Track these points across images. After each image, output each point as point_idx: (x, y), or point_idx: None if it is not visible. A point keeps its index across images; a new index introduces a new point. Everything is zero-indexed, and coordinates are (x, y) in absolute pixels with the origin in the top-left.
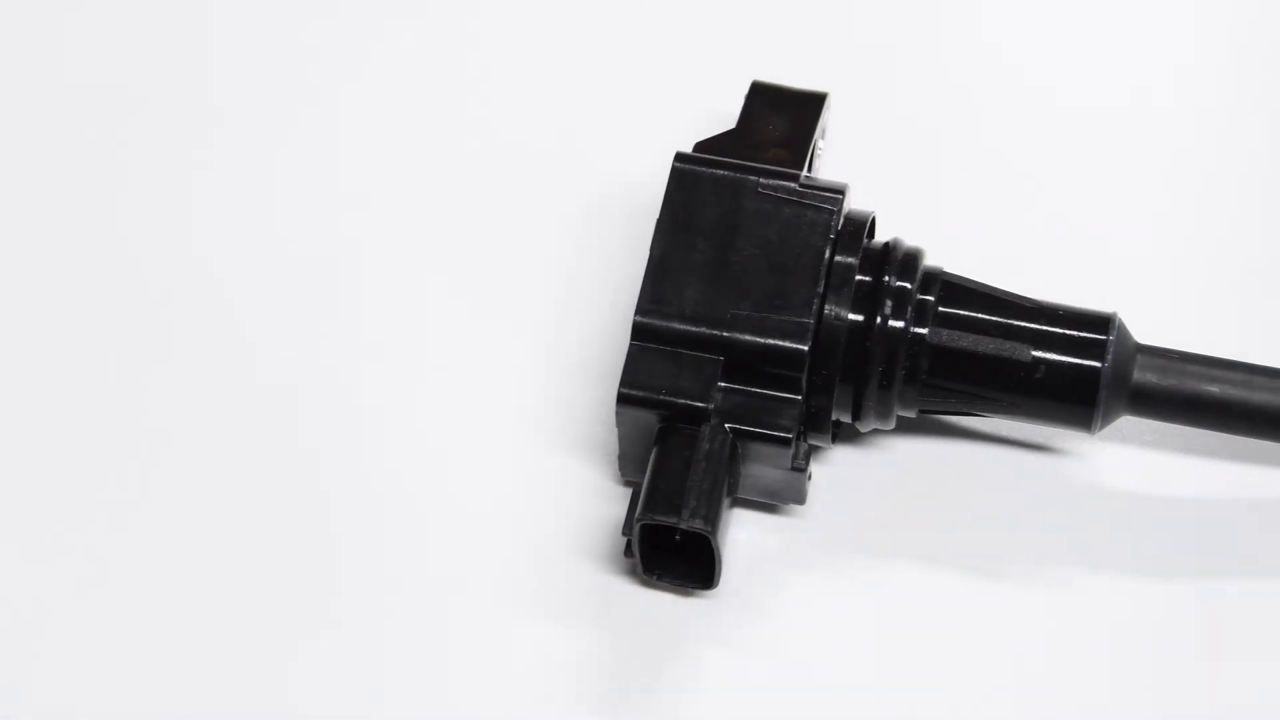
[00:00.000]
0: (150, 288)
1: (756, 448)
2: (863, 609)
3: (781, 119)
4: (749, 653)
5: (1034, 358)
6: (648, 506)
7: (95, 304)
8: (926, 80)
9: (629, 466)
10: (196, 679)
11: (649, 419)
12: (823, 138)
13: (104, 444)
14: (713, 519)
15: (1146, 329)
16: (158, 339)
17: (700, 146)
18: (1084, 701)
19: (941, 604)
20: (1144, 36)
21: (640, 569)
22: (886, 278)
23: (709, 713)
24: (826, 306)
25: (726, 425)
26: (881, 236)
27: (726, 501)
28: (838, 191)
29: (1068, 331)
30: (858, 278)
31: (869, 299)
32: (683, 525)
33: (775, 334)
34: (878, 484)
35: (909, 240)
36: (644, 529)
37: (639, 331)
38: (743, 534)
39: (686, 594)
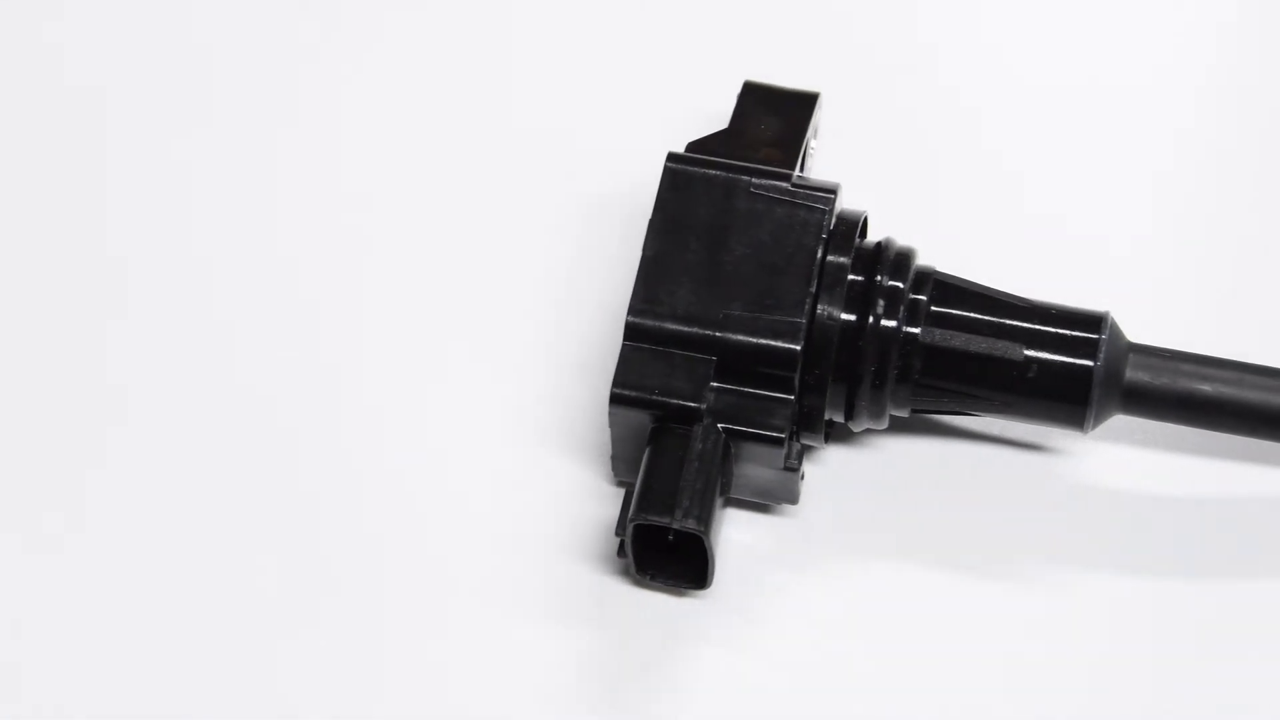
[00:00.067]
0: (144, 283)
1: (749, 448)
2: (856, 608)
3: (774, 119)
4: (742, 652)
5: (1026, 357)
6: (641, 507)
7: (91, 302)
8: (918, 80)
9: (622, 467)
10: (193, 681)
11: (642, 419)
12: (815, 137)
13: (98, 442)
14: (706, 519)
15: (1139, 328)
16: (152, 335)
17: (692, 146)
18: (1077, 700)
19: (935, 603)
20: (1138, 35)
21: (633, 569)
22: (879, 277)
23: (702, 712)
24: (819, 306)
25: (719, 425)
26: (874, 236)
27: (719, 501)
28: (830, 191)
29: (1060, 330)
30: (850, 277)
31: (861, 298)
32: (676, 525)
33: (768, 334)
34: (870, 484)
35: (901, 240)
36: (637, 529)
37: (631, 332)
38: (736, 534)
39: (679, 594)
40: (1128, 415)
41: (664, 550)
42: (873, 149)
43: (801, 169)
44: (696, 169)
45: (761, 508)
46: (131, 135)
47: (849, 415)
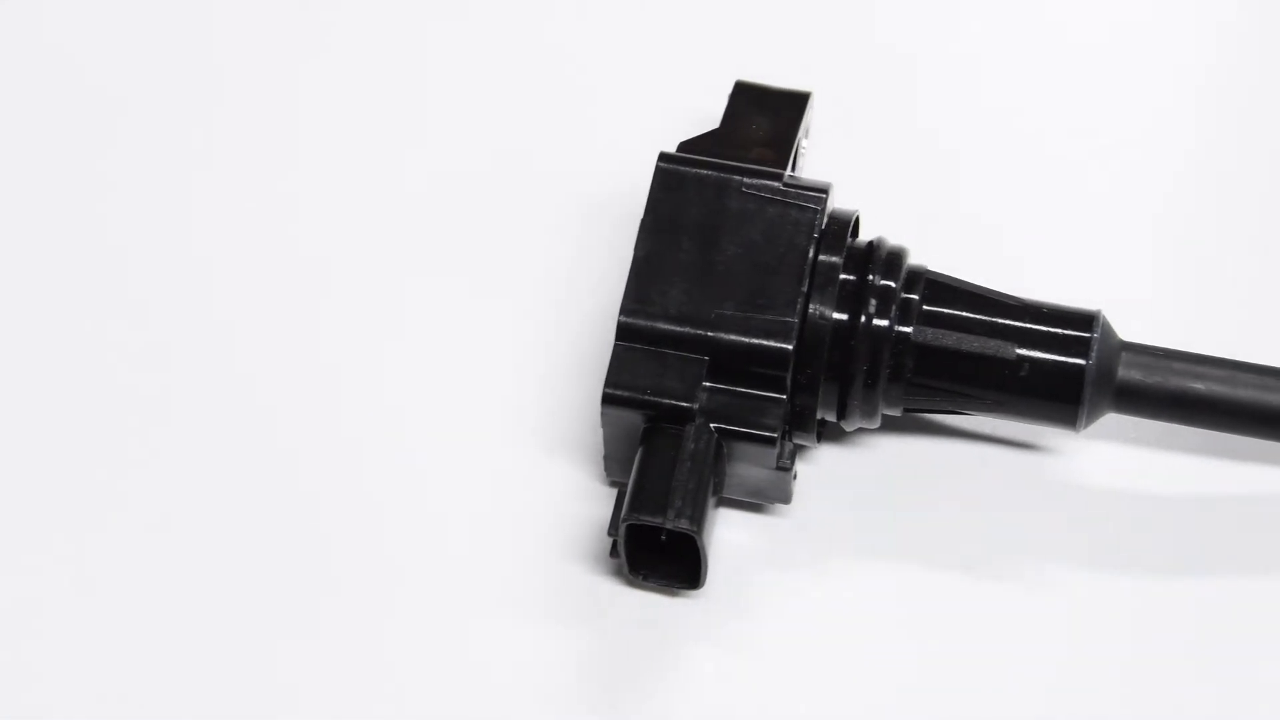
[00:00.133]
0: (141, 282)
1: (742, 447)
2: (849, 608)
3: (765, 118)
4: (735, 652)
5: (1019, 356)
6: (633, 506)
7: (91, 305)
8: (910, 79)
9: (614, 467)
10: (190, 681)
11: (634, 419)
12: (806, 137)
13: (91, 444)
14: (698, 519)
15: (1131, 326)
16: (150, 333)
17: (684, 146)
18: (1070, 699)
19: (927, 602)
20: (1133, 33)
21: (626, 569)
22: (871, 276)
23: (695, 712)
24: (811, 306)
25: (711, 425)
26: (865, 235)
27: (712, 501)
28: (821, 191)
29: (1052, 329)
30: (842, 277)
31: (853, 298)
32: (668, 525)
33: (760, 333)
34: (863, 483)
35: (893, 239)
36: (630, 529)
37: (623, 332)
38: (728, 533)
39: (672, 594)
40: (1120, 414)
41: (657, 550)
42: (864, 148)
43: (793, 168)
44: (688, 169)
45: (754, 507)
46: (128, 134)
47: (841, 414)
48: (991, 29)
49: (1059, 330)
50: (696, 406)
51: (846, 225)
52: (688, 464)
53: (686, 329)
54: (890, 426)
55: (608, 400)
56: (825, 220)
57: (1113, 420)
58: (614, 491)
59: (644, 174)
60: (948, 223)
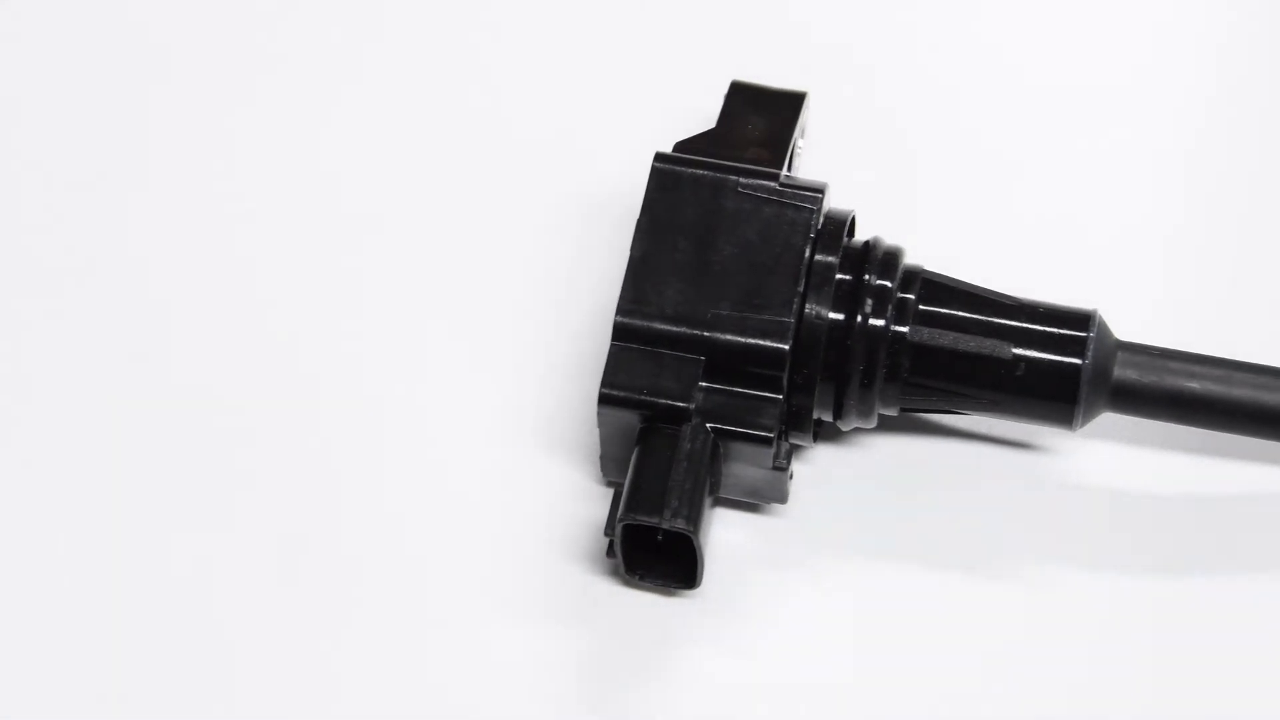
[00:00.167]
0: (137, 281)
1: (738, 447)
2: (845, 607)
3: (761, 118)
4: (731, 652)
5: (1015, 355)
6: (630, 506)
7: (79, 307)
8: (905, 78)
9: (611, 467)
10: (184, 682)
11: (630, 419)
12: (802, 137)
13: (94, 443)
14: (694, 519)
15: (1127, 325)
16: (147, 333)
17: (680, 146)
18: (1065, 698)
19: (924, 602)
20: (1127, 31)
21: (622, 569)
22: (867, 276)
23: (691, 712)
24: (807, 305)
25: (708, 425)
26: (861, 235)
27: (708, 501)
28: (817, 190)
29: (1048, 329)
30: (838, 276)
31: (849, 298)
32: (665, 525)
33: (756, 333)
34: (859, 482)
35: (889, 239)
36: (626, 529)
37: (620, 332)
38: (725, 533)
39: (669, 594)
40: (1116, 413)
41: (653, 550)
42: (860, 148)
43: (789, 168)
44: (684, 169)
45: (750, 507)
46: (123, 133)
47: (837, 414)
48: (991, 28)
49: (1055, 330)
50: (693, 406)
51: (842, 225)
52: (684, 464)
53: (683, 329)
54: (887, 426)
55: (604, 400)
56: (821, 220)
57: (1109, 420)
58: (610, 491)
59: (640, 174)
60: (943, 222)
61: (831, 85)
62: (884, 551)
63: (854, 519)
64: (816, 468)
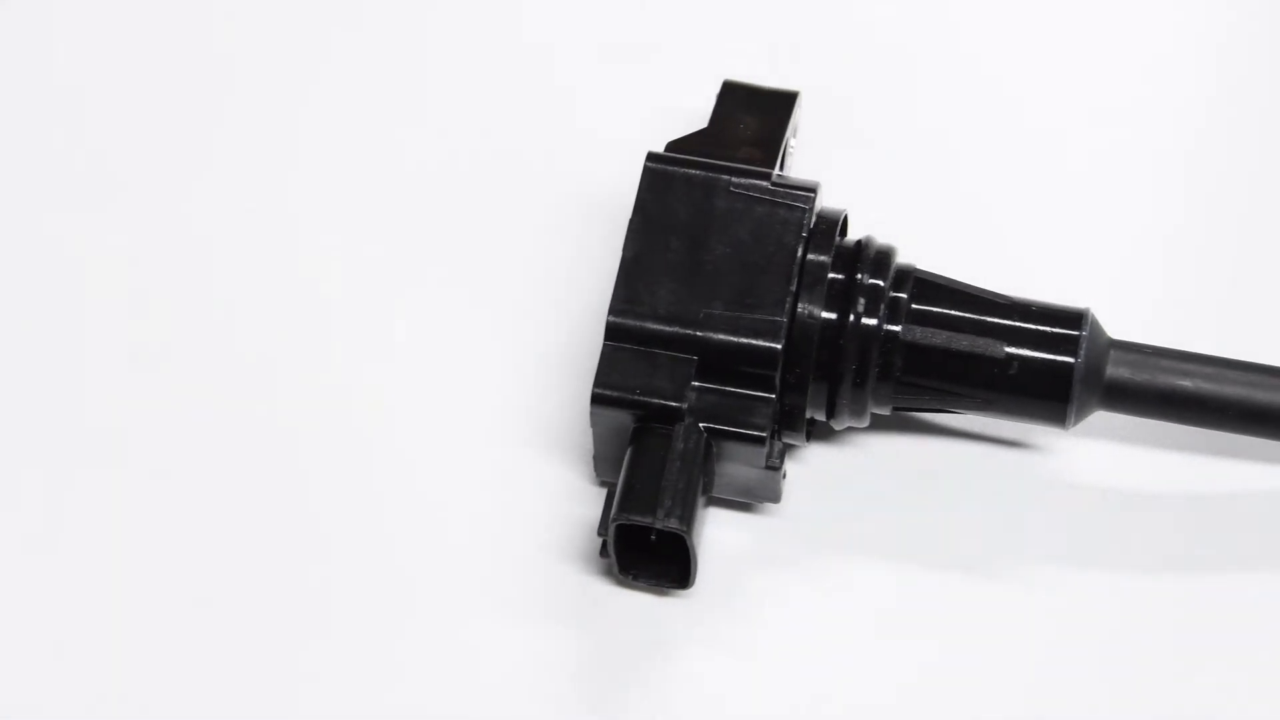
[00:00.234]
0: (132, 287)
1: (731, 447)
2: (839, 606)
3: (753, 118)
4: (725, 651)
5: (1007, 354)
6: (623, 506)
7: (71, 310)
8: (897, 77)
9: (604, 467)
10: (178, 683)
11: (623, 419)
12: (794, 136)
13: (81, 443)
14: (688, 518)
15: (1119, 324)
16: (138, 335)
17: (672, 146)
18: (1061, 697)
19: (917, 601)
20: (1120, 29)
21: (616, 569)
22: (859, 275)
23: (685, 712)
24: (800, 305)
25: (701, 424)
26: (854, 234)
27: (701, 501)
28: (810, 190)
29: (1041, 327)
30: (830, 276)
31: (842, 297)
32: (658, 525)
33: (749, 333)
34: (852, 482)
35: (881, 238)
36: (619, 529)
37: (612, 332)
38: (718, 533)
39: (662, 594)
40: (1109, 411)
41: (646, 550)
42: (852, 147)
43: (781, 168)
44: (676, 169)
45: (744, 507)
46: (118, 133)
47: (830, 413)
48: (984, 27)
49: (1048, 328)
50: (686, 406)
51: (835, 224)
52: (677, 464)
53: (675, 329)
54: (879, 425)
55: (597, 400)
56: (813, 219)
57: (1101, 418)
58: (603, 491)
59: (632, 174)
60: (936, 220)
61: (823, 84)
62: (878, 550)
63: (847, 518)
64: (809, 467)
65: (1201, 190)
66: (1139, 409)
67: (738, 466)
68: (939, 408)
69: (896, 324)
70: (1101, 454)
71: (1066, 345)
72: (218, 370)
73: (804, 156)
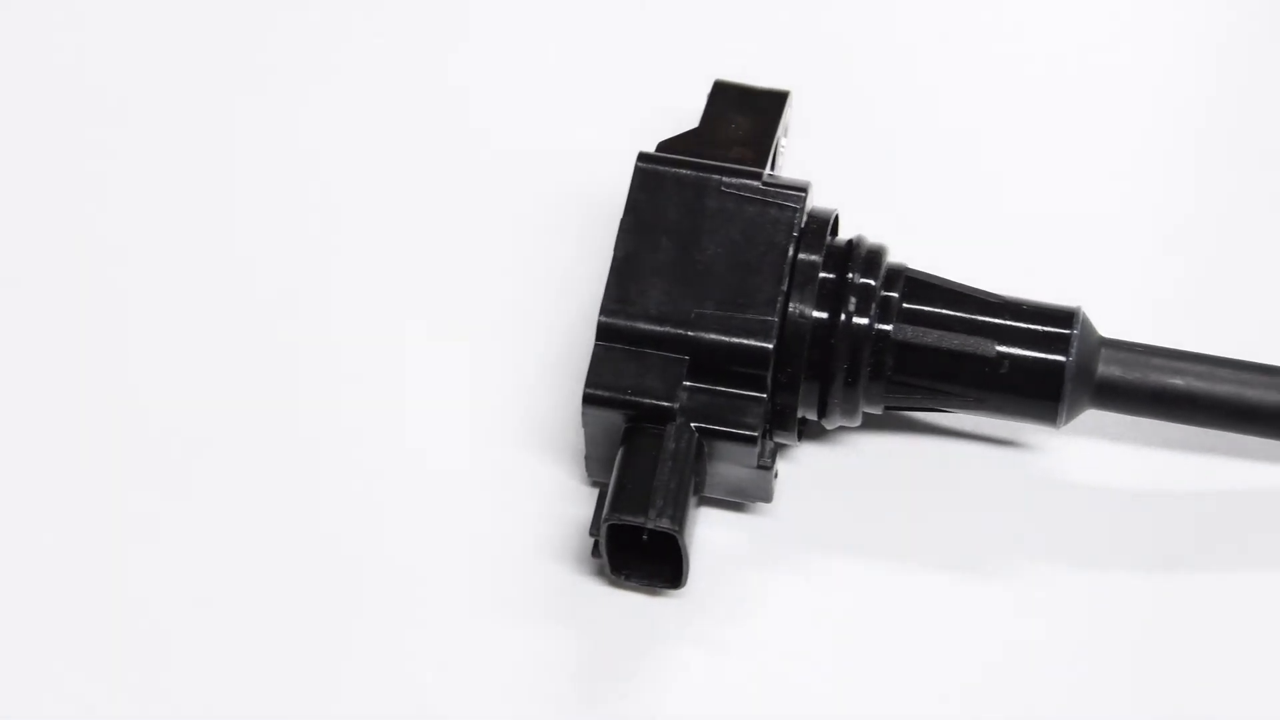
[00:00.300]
0: (118, 284)
1: (722, 446)
2: (831, 606)
3: (744, 118)
4: (717, 650)
5: (998, 353)
6: (615, 506)
7: (71, 315)
8: (887, 77)
9: (596, 467)
10: (172, 683)
11: (615, 419)
12: (785, 136)
13: (83, 449)
14: (680, 518)
15: (1110, 322)
16: (137, 338)
17: (663, 146)
18: (1054, 695)
19: (909, 600)
20: (1110, 27)
21: (608, 569)
22: (850, 275)
23: (678, 711)
24: (791, 304)
25: (692, 424)
26: (845, 233)
27: (693, 500)
28: (801, 189)
29: (1032, 326)
30: (822, 275)
31: (833, 296)
32: (650, 525)
33: (740, 332)
34: (844, 481)
35: (872, 237)
36: (611, 529)
37: (604, 332)
38: (710, 533)
39: (654, 593)
40: (1100, 410)
41: (638, 550)
42: (843, 147)
43: (772, 167)
44: (667, 169)
45: (736, 506)
46: (117, 134)
47: (822, 413)
48: (973, 25)
49: (1039, 327)
50: (677, 406)
51: (826, 223)
52: (669, 463)
53: (667, 329)
54: (871, 424)
55: (588, 400)
56: (804, 219)
57: (1093, 416)
58: (595, 491)
59: (623, 174)
60: (927, 220)
61: (814, 84)
62: (869, 549)
63: (839, 517)
64: (801, 466)
65: (1193, 189)
66: (1130, 407)
67: (729, 466)
68: (930, 407)
69: (888, 323)
70: (1093, 452)
71: (1058, 344)
72: (212, 370)
73: (795, 156)
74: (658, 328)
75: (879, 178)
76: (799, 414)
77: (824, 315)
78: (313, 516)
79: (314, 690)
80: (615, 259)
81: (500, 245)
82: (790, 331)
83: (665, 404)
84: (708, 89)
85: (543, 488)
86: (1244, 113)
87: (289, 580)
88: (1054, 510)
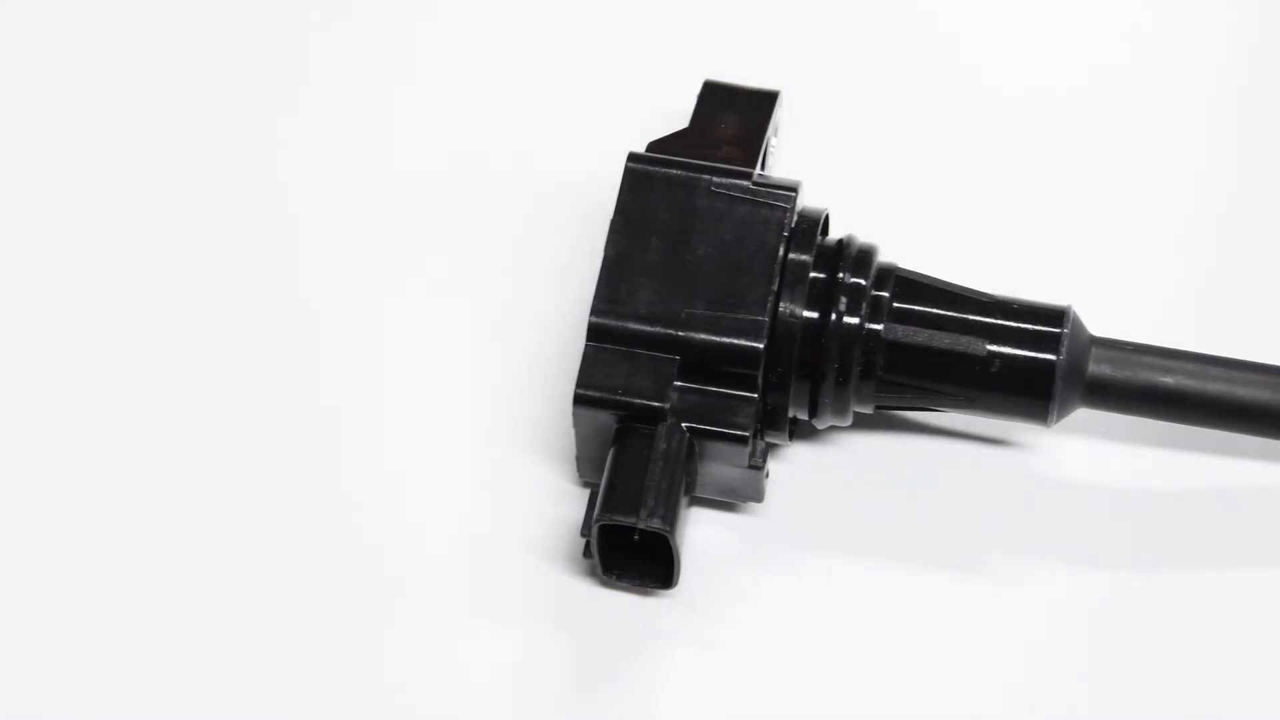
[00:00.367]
0: (107, 286)
1: (714, 446)
2: (822, 606)
3: (734, 117)
4: (709, 651)
5: (989, 352)
6: (606, 507)
7: (62, 313)
8: (878, 77)
9: (587, 467)
10: (161, 686)
11: (606, 420)
12: (775, 136)
13: (66, 446)
14: (671, 518)
15: (1100, 321)
16: (122, 338)
17: (653, 146)
18: (1047, 694)
19: (901, 599)
20: (1099, 26)
21: (599, 569)
22: (841, 274)
23: (670, 711)
24: (781, 304)
25: (683, 425)
26: (835, 233)
27: (684, 501)
28: (791, 189)
29: (1022, 325)
30: (812, 275)
31: (824, 296)
32: (641, 525)
33: (731, 332)
34: (835, 481)
35: (863, 237)
36: (603, 529)
37: (594, 332)
38: (701, 533)
39: (646, 594)
40: (1091, 408)
41: (630, 550)
42: (833, 146)
43: (762, 167)
44: (657, 169)
45: (727, 506)
46: (103, 134)
47: (813, 413)
48: (962, 26)
49: (1029, 326)
50: (668, 406)
51: (816, 223)
52: (660, 464)
53: (657, 329)
54: (862, 424)
55: (579, 401)
56: (795, 218)
57: (1083, 415)
58: (586, 492)
59: (613, 174)
60: (917, 219)
61: (804, 84)
62: (861, 549)
63: (830, 517)
64: (792, 466)
65: (1182, 188)
66: (1121, 406)
67: (720, 466)
68: (921, 406)
69: (878, 323)
70: (1083, 451)
71: (1048, 343)
72: (203, 368)
73: (785, 156)
74: (648, 328)
75: (869, 177)
76: (790, 414)
77: (814, 315)
78: (302, 518)
79: (303, 691)
80: (605, 259)
81: (490, 247)
82: (781, 331)
83: (656, 404)
84: (698, 89)
85: (533, 488)
86: (1244, 113)
87: (278, 582)
88: (1046, 509)
